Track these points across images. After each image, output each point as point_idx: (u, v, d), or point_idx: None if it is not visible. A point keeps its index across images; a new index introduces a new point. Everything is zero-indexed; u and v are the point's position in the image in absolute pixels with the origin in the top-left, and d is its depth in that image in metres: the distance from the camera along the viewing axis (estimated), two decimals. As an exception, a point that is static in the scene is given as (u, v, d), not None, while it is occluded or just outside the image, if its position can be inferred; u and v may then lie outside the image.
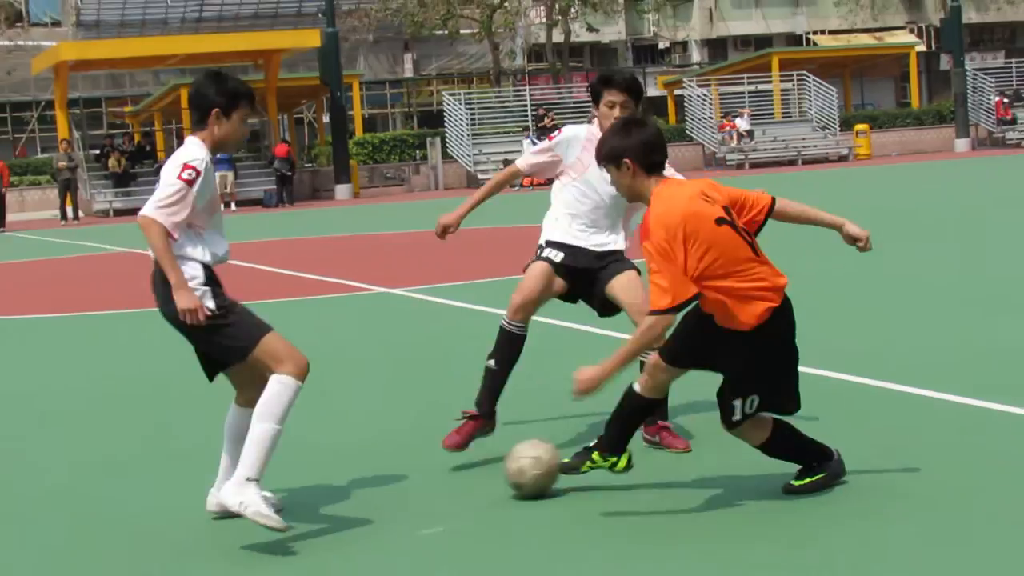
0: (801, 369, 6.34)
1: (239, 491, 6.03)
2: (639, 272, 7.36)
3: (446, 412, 7.77)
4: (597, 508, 6.33)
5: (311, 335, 11.38)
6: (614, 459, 6.28)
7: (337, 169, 50.36)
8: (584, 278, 7.42)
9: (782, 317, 6.10)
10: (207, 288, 6.15)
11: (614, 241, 7.50)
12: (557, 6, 67.57)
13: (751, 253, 6.05)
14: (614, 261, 7.46)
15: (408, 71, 74.01)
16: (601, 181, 7.00)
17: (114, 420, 9.65)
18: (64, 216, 44.12)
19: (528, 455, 6.48)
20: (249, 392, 6.36)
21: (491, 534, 6.14)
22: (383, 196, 49.64)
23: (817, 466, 6.33)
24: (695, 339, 6.23)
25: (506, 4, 66.67)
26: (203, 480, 6.74)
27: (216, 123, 6.23)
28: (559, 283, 7.39)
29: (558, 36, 69.25)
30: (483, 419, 7.32)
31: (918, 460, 6.85)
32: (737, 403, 6.13)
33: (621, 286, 7.32)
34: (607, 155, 6.12)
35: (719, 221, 5.96)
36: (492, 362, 7.33)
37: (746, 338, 6.06)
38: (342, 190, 49.67)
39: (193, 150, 6.20)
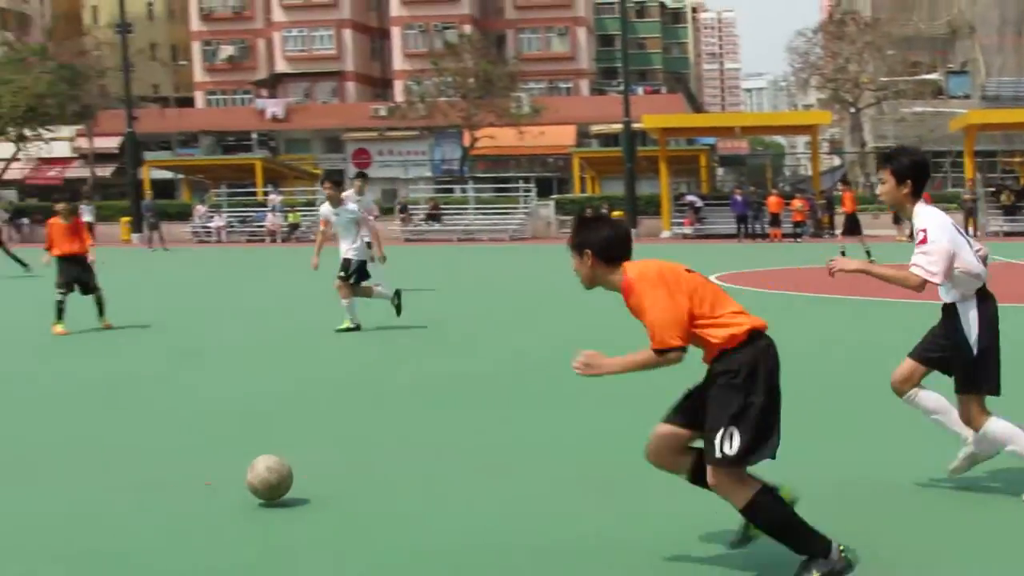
0: None
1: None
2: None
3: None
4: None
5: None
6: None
7: None
8: None
9: (763, 354, 4.56)
10: None
11: None
12: None
13: (726, 297, 4.66)
14: None
15: None
16: None
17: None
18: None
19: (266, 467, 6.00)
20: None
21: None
22: None
23: (810, 561, 4.51)
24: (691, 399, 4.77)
25: None
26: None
27: None
28: None
29: None
30: None
31: None
32: (716, 438, 4.51)
33: None
34: (574, 244, 4.69)
35: (688, 270, 4.66)
36: None
37: (727, 373, 4.53)
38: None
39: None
